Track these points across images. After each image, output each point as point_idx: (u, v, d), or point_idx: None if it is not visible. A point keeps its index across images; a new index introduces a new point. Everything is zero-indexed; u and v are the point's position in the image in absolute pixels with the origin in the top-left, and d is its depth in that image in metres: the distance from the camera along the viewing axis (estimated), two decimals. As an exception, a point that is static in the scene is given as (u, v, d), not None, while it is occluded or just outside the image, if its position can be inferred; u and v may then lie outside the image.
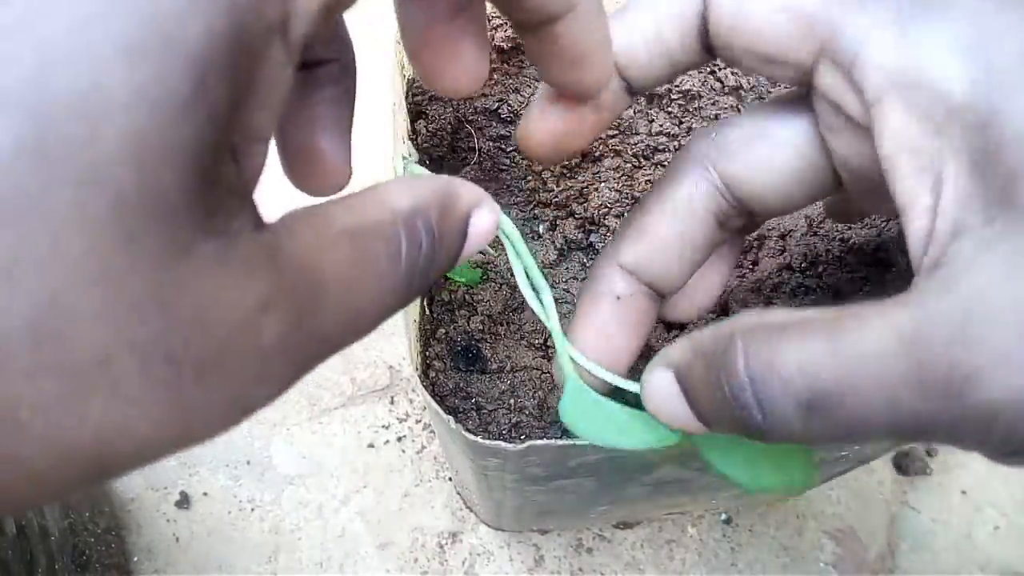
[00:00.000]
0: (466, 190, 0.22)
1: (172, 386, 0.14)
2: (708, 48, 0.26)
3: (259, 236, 0.16)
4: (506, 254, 0.41)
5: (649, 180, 0.44)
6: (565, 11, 0.22)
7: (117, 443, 0.14)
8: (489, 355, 0.39)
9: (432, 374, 0.38)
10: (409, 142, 0.40)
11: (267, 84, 0.15)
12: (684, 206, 0.28)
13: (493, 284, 0.39)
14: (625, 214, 0.43)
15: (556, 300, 0.42)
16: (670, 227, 0.28)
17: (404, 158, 0.31)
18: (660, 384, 0.25)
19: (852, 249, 0.41)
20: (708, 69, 0.44)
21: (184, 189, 0.13)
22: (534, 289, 0.29)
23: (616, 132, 0.44)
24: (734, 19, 0.25)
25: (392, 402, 0.73)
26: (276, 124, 0.17)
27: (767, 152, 0.27)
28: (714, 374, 0.22)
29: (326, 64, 0.24)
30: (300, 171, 0.26)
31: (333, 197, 0.20)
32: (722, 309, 0.40)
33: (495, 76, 0.43)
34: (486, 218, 0.23)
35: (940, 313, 0.19)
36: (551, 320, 0.29)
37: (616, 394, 0.29)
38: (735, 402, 0.21)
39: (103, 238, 0.13)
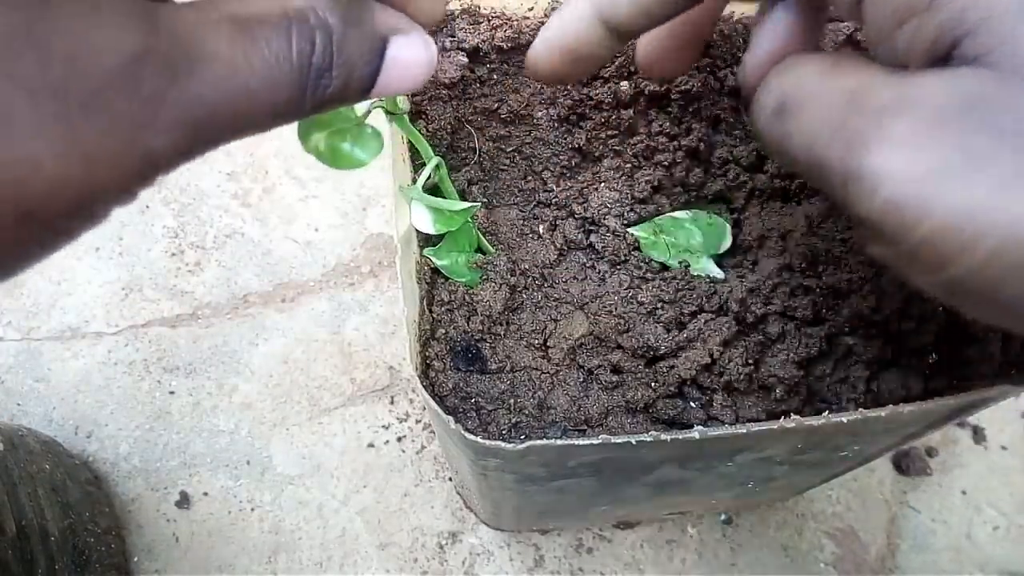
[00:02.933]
0: (384, 14, 0.23)
1: (62, 118, 0.17)
2: None
3: (137, 1, 0.18)
4: (506, 255, 0.41)
5: (649, 180, 0.44)
6: None
7: (31, 180, 0.17)
8: (489, 355, 0.39)
9: (432, 374, 0.38)
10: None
11: None
12: None
13: (493, 284, 0.39)
14: (625, 214, 0.43)
15: (556, 300, 0.42)
16: None
17: (387, 111, 0.30)
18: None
19: (852, 249, 0.41)
20: (708, 69, 0.44)
21: None
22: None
23: (616, 132, 0.44)
24: None
25: (392, 402, 0.73)
26: None
27: None
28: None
29: None
30: None
31: None
32: (720, 309, 0.40)
33: (495, 76, 0.43)
34: (410, 49, 0.23)
35: (875, 88, 0.22)
36: None
37: None
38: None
39: None
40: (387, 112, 0.30)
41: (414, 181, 0.37)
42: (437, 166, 0.36)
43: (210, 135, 0.20)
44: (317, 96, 0.22)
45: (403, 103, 0.30)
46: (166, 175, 0.21)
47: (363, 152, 0.28)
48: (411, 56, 0.23)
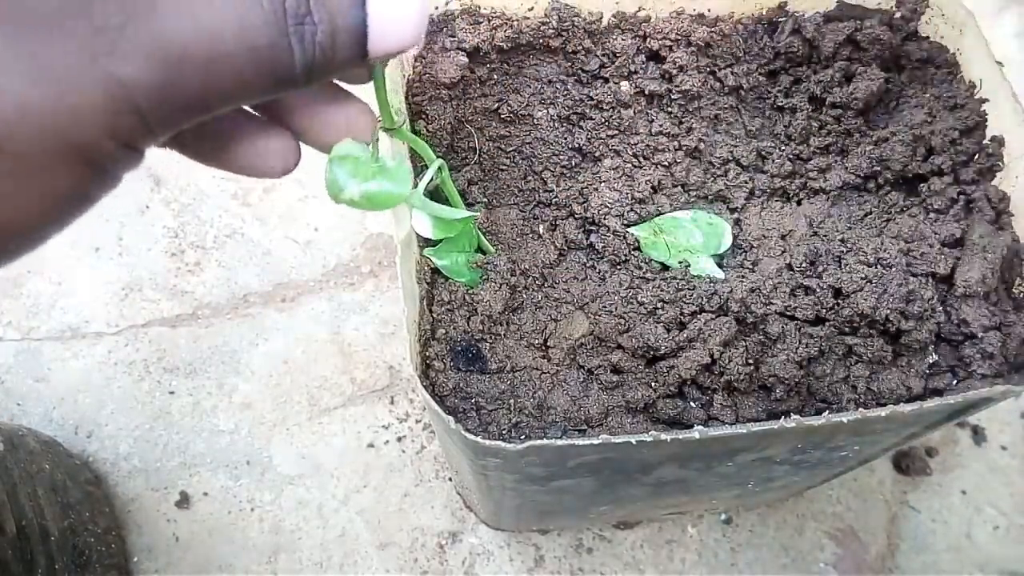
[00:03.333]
0: None
1: (16, 38, 0.18)
2: None
3: None
4: (506, 255, 0.41)
5: (649, 180, 0.44)
6: None
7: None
8: (489, 355, 0.39)
9: (432, 374, 0.38)
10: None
11: None
12: None
13: (493, 284, 0.39)
14: (625, 214, 0.43)
15: (556, 300, 0.42)
16: None
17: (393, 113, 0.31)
18: None
19: (852, 249, 0.41)
20: (708, 69, 0.44)
21: None
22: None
23: (616, 132, 0.44)
24: None
25: (392, 402, 0.73)
26: None
27: None
28: None
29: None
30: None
31: None
32: (721, 309, 0.40)
33: (495, 76, 0.43)
34: (393, 3, 0.22)
35: None
36: None
37: None
38: None
39: None
40: (385, 129, 0.31)
41: (415, 185, 0.37)
42: (439, 169, 0.36)
43: (191, 78, 0.20)
44: (307, 47, 0.21)
45: (400, 116, 0.31)
46: (167, 130, 0.20)
47: (395, 186, 0.28)
48: (394, 10, 0.22)
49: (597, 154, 0.44)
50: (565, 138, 0.44)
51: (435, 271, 0.40)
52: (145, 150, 0.21)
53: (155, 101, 0.20)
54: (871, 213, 0.42)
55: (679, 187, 0.45)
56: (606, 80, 0.44)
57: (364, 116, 0.28)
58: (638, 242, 0.43)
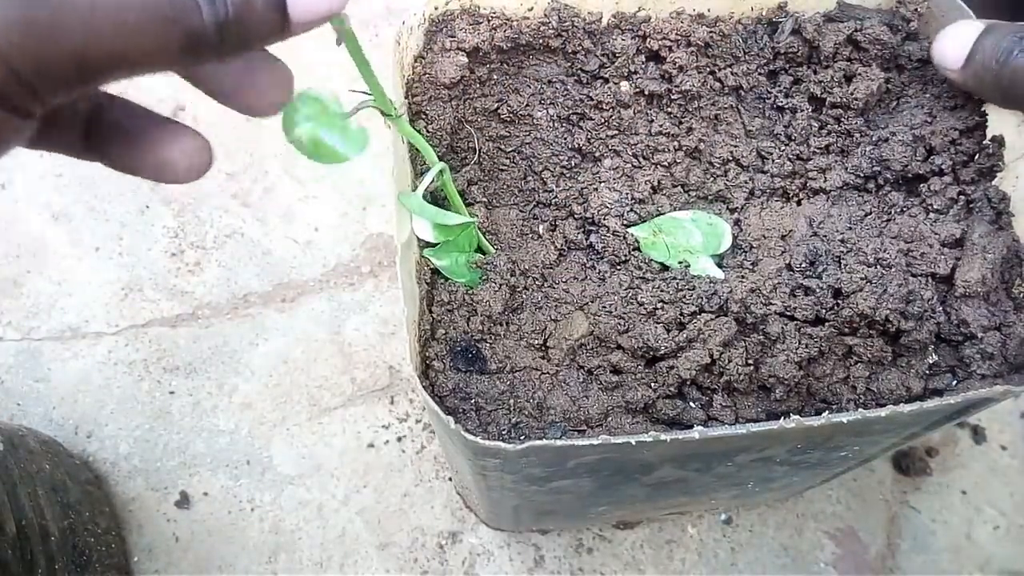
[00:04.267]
0: None
1: None
2: None
3: None
4: (505, 255, 0.41)
5: (649, 180, 0.44)
6: None
7: None
8: (489, 355, 0.39)
9: (432, 374, 0.38)
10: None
11: None
12: None
13: (493, 284, 0.39)
14: (625, 214, 0.43)
15: (556, 300, 0.42)
16: None
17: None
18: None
19: (852, 249, 0.41)
20: (708, 69, 0.44)
21: None
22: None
23: (616, 132, 0.44)
24: None
25: (392, 402, 0.73)
26: None
27: None
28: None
29: None
30: None
31: None
32: (720, 310, 0.40)
33: (495, 76, 0.43)
34: None
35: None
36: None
37: None
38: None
39: None
40: (383, 113, 0.30)
41: (414, 187, 0.37)
42: (441, 171, 0.36)
43: (71, 27, 0.18)
44: (217, 3, 0.19)
45: (400, 106, 0.30)
46: (52, 90, 0.19)
47: (346, 147, 0.27)
48: None
49: (597, 154, 0.44)
50: (565, 138, 0.44)
51: (435, 271, 0.40)
52: (35, 115, 0.19)
53: (27, 51, 0.18)
54: (871, 213, 0.42)
55: (679, 187, 0.45)
56: (606, 80, 0.44)
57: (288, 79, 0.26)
58: (638, 242, 0.43)
